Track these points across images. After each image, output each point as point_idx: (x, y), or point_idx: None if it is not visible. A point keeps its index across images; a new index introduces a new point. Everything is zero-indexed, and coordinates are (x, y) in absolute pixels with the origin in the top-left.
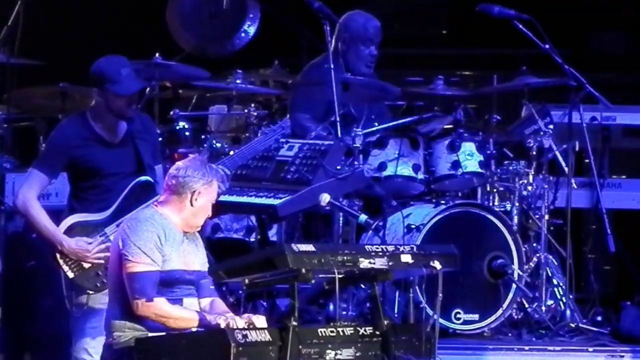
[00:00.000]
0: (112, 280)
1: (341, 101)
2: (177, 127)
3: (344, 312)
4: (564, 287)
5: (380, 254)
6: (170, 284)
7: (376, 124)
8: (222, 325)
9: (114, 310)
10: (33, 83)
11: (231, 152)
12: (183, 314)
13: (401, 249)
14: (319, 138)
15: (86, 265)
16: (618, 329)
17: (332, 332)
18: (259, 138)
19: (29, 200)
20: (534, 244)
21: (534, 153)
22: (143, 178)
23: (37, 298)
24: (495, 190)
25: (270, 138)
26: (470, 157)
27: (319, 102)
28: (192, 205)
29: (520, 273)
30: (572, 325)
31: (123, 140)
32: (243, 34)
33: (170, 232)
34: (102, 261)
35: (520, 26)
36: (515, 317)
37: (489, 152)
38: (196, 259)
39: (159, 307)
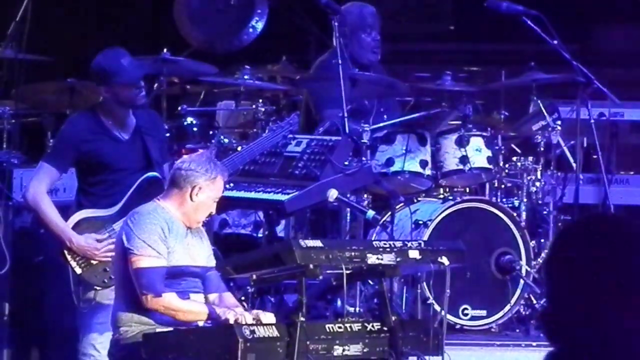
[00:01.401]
0: (118, 275)
1: (349, 97)
2: (185, 123)
3: (352, 308)
4: None
5: (388, 249)
6: (176, 275)
7: (385, 117)
8: (231, 320)
9: (120, 304)
10: (41, 79)
11: (239, 148)
12: (192, 307)
13: (409, 244)
14: (328, 133)
15: (94, 262)
16: None
17: (339, 327)
18: (266, 135)
19: (39, 194)
20: (542, 240)
21: (542, 149)
22: (151, 174)
23: (44, 293)
24: (503, 186)
25: (277, 135)
26: (478, 153)
27: (339, 98)
28: (192, 199)
29: (528, 269)
30: None
31: (132, 135)
32: (251, 30)
33: (173, 224)
34: (110, 258)
35: (529, 22)
36: (523, 313)
37: (497, 147)
38: (201, 252)
39: (168, 301)
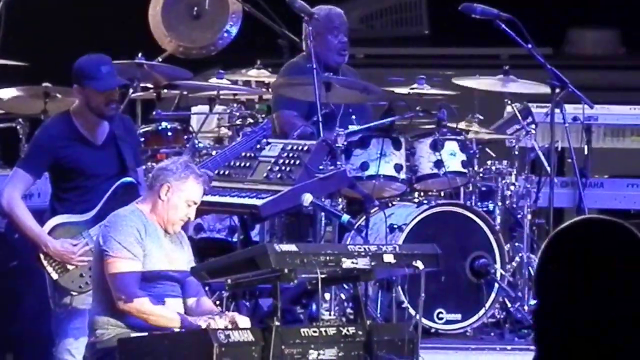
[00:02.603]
0: (95, 278)
1: (323, 101)
2: (160, 128)
3: (327, 312)
4: None
5: (363, 254)
6: (151, 279)
7: (353, 118)
8: (203, 327)
9: (97, 307)
10: (15, 83)
11: (214, 153)
12: (164, 312)
13: (384, 248)
14: (302, 138)
15: (70, 267)
16: None
17: (314, 332)
18: (240, 140)
19: (14, 200)
20: (517, 244)
21: (517, 153)
22: (127, 179)
23: (19, 298)
24: (477, 189)
25: (251, 140)
26: (452, 157)
27: (301, 102)
28: (160, 198)
29: (503, 273)
30: None
31: (106, 141)
32: (225, 34)
33: (150, 227)
34: (86, 263)
35: (503, 26)
36: (498, 316)
37: (471, 151)
38: (181, 257)
39: (141, 304)
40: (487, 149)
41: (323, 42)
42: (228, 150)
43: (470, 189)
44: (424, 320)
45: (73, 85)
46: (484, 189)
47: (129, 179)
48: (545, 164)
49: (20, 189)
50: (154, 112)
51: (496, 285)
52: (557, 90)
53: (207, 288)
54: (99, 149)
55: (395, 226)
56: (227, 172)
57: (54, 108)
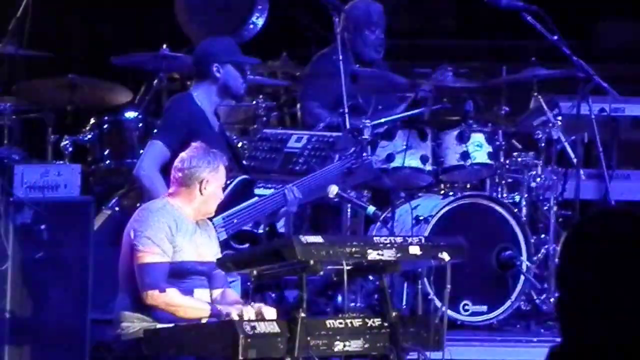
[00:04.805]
0: (123, 271)
1: (350, 93)
2: None
3: (352, 304)
4: None
5: (389, 245)
6: (181, 274)
7: (383, 114)
8: (234, 316)
9: (123, 300)
10: (41, 75)
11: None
12: (193, 303)
13: (409, 240)
14: (328, 129)
15: None
16: None
17: (340, 323)
18: (335, 163)
19: (155, 175)
20: (543, 236)
21: (543, 144)
22: (245, 177)
23: (45, 290)
24: (504, 181)
25: (343, 165)
26: (479, 148)
27: (328, 93)
28: (201, 194)
29: (529, 264)
30: None
31: (220, 130)
32: (251, 26)
33: (182, 222)
34: None
35: (529, 18)
36: (524, 308)
37: (497, 143)
38: (209, 250)
39: (170, 297)
40: (514, 141)
41: (360, 37)
42: (324, 172)
43: (497, 180)
44: (450, 312)
45: (210, 65)
46: (510, 180)
47: (246, 176)
48: (572, 155)
49: (159, 164)
50: None
51: (522, 277)
52: (584, 82)
53: None
54: (217, 137)
55: (421, 218)
56: (252, 164)
57: (80, 99)
